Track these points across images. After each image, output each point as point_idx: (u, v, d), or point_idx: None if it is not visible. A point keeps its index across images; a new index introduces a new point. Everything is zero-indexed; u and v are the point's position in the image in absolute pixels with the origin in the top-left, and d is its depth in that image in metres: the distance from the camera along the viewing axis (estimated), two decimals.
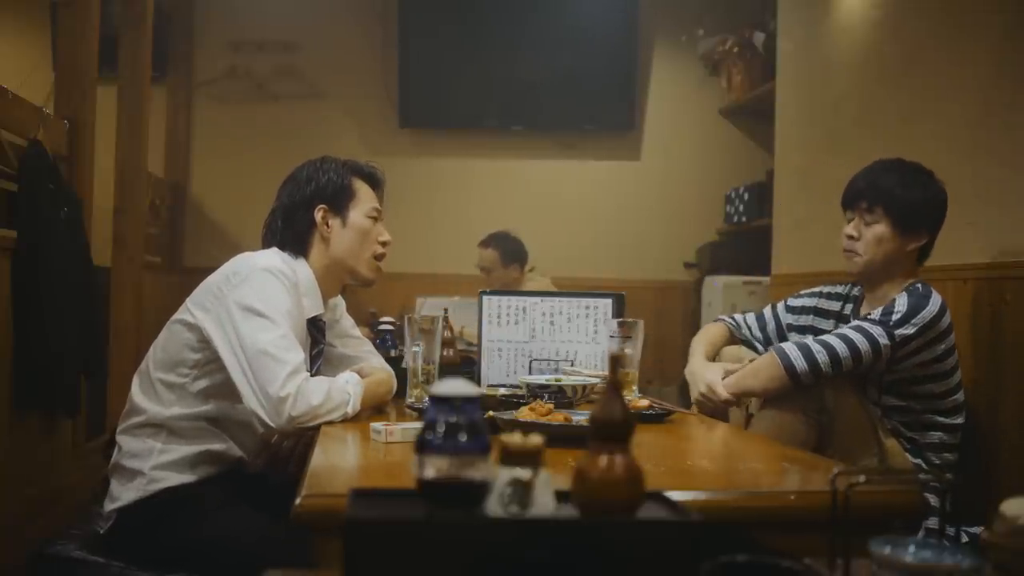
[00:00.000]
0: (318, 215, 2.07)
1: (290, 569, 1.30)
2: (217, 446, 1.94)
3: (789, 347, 2.20)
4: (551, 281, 4.79)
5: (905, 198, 2.25)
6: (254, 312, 1.87)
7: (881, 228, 2.27)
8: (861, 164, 2.39)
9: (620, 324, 2.14)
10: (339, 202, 2.09)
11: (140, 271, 4.32)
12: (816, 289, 2.54)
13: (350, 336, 2.28)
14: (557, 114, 5.63)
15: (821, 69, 3.73)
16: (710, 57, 5.31)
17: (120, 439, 1.95)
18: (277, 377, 1.80)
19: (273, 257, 2.01)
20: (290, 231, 2.08)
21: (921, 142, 2.94)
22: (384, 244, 2.14)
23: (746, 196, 5.15)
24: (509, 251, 4.70)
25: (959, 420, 2.28)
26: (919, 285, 2.25)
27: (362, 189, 2.12)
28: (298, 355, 1.86)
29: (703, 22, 5.33)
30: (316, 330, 2.11)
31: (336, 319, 2.25)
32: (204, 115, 5.65)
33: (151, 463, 1.90)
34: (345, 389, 1.89)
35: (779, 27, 4.20)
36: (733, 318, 2.61)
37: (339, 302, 2.27)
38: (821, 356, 2.16)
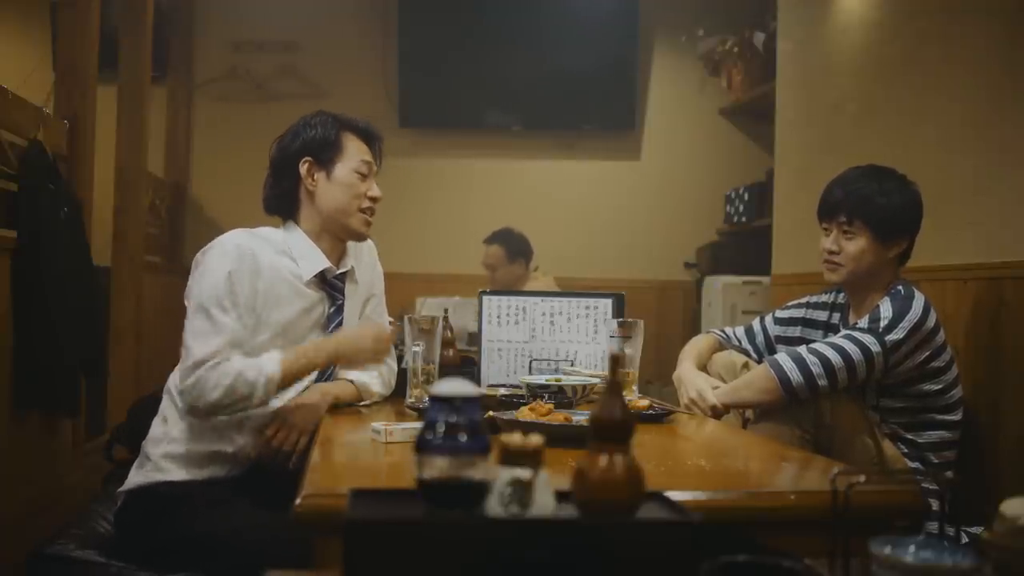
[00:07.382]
0: (303, 168, 2.06)
1: (290, 569, 1.30)
2: (229, 448, 1.92)
3: (783, 358, 2.18)
4: (554, 280, 4.79)
5: (884, 207, 2.23)
6: (195, 301, 1.90)
7: (862, 241, 2.24)
8: (861, 164, 2.38)
9: (620, 324, 2.14)
10: (325, 156, 2.07)
11: (140, 271, 4.32)
12: (803, 300, 2.52)
13: (372, 320, 2.23)
14: (557, 114, 5.63)
15: (821, 69, 3.72)
16: (710, 57, 5.30)
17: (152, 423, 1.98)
18: (184, 367, 1.86)
19: (234, 234, 1.97)
20: (279, 187, 2.09)
21: (921, 142, 2.93)
22: (373, 199, 2.09)
23: (746, 196, 5.15)
24: (514, 247, 4.71)
25: (958, 416, 2.28)
26: (900, 287, 2.24)
27: (352, 144, 2.10)
28: (210, 344, 1.84)
29: (703, 22, 5.32)
30: (329, 287, 2.08)
31: (373, 293, 2.23)
32: (204, 115, 5.65)
33: (160, 451, 1.91)
34: (249, 379, 1.84)
35: (779, 27, 4.20)
36: (723, 331, 2.60)
37: (375, 268, 2.25)
38: (816, 368, 2.14)
